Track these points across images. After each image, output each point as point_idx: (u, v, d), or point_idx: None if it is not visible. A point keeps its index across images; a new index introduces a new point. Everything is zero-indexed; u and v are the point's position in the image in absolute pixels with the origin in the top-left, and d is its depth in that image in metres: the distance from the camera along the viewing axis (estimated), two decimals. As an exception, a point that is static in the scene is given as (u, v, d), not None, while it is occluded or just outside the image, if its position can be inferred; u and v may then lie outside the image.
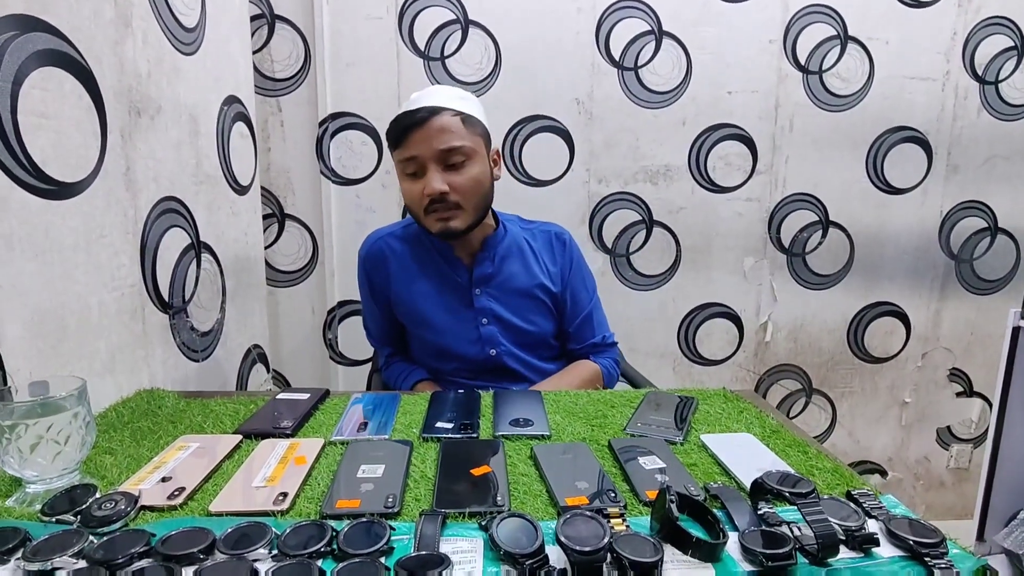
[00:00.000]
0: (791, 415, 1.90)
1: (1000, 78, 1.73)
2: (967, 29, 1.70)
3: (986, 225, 1.82)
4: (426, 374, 1.16)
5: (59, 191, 0.77)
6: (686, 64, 1.67)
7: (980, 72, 1.73)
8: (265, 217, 1.68)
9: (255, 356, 1.33)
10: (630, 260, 1.77)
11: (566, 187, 1.71)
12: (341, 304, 1.74)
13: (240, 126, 1.25)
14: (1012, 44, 1.72)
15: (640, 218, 1.75)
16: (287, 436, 0.76)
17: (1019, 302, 1.20)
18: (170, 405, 0.87)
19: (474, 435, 0.76)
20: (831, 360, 1.87)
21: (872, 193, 1.77)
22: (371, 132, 1.64)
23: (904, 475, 1.97)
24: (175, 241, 1.04)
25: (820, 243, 1.80)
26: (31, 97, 0.72)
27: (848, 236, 1.80)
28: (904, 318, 1.85)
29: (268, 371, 1.44)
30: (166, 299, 1.03)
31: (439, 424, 0.78)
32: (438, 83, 1.64)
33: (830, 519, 0.52)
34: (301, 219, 1.69)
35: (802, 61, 1.69)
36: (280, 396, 0.88)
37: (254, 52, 1.59)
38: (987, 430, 0.84)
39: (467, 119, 1.00)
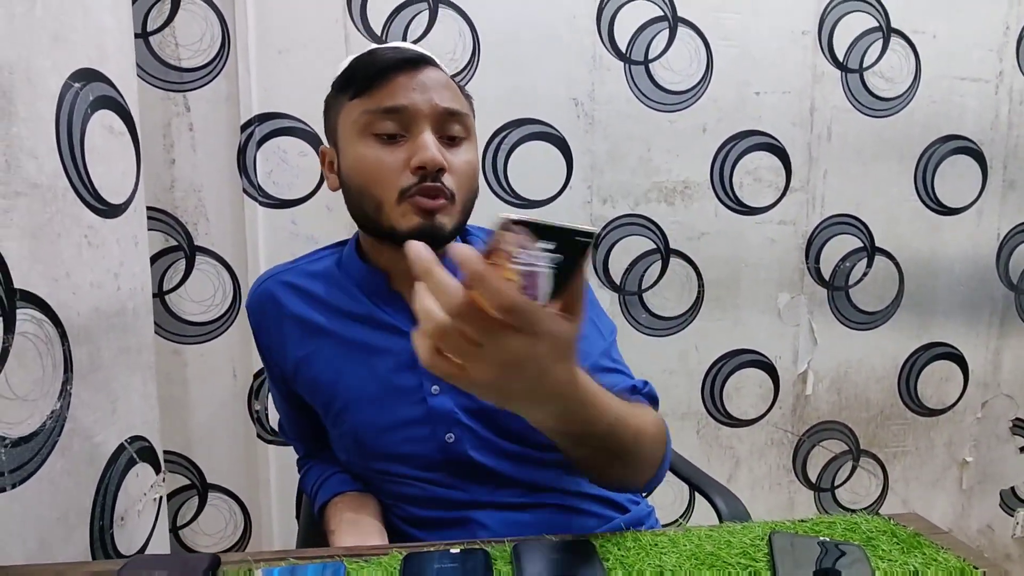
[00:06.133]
0: (836, 483, 1.56)
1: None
2: (1021, 23, 1.46)
3: (1049, 250, 1.55)
4: (349, 483, 0.76)
5: None
6: (706, 57, 1.36)
7: (1039, 72, 1.48)
8: (167, 251, 1.25)
9: (133, 454, 0.90)
10: (643, 299, 1.42)
11: (563, 208, 1.35)
12: (273, 364, 1.31)
13: (107, 116, 0.83)
14: (1073, 40, 1.48)
15: (654, 246, 1.40)
16: None
17: None
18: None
19: None
20: (880, 415, 1.55)
21: (922, 213, 1.49)
22: (311, 139, 1.25)
23: (965, 548, 1.66)
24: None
25: (865, 274, 1.49)
26: None
27: (897, 265, 1.50)
28: (961, 361, 1.56)
29: (159, 471, 1.00)
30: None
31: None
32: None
33: None
34: (217, 252, 1.27)
35: (840, 57, 1.40)
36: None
37: (151, 32, 1.19)
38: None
39: (463, 90, 0.71)
